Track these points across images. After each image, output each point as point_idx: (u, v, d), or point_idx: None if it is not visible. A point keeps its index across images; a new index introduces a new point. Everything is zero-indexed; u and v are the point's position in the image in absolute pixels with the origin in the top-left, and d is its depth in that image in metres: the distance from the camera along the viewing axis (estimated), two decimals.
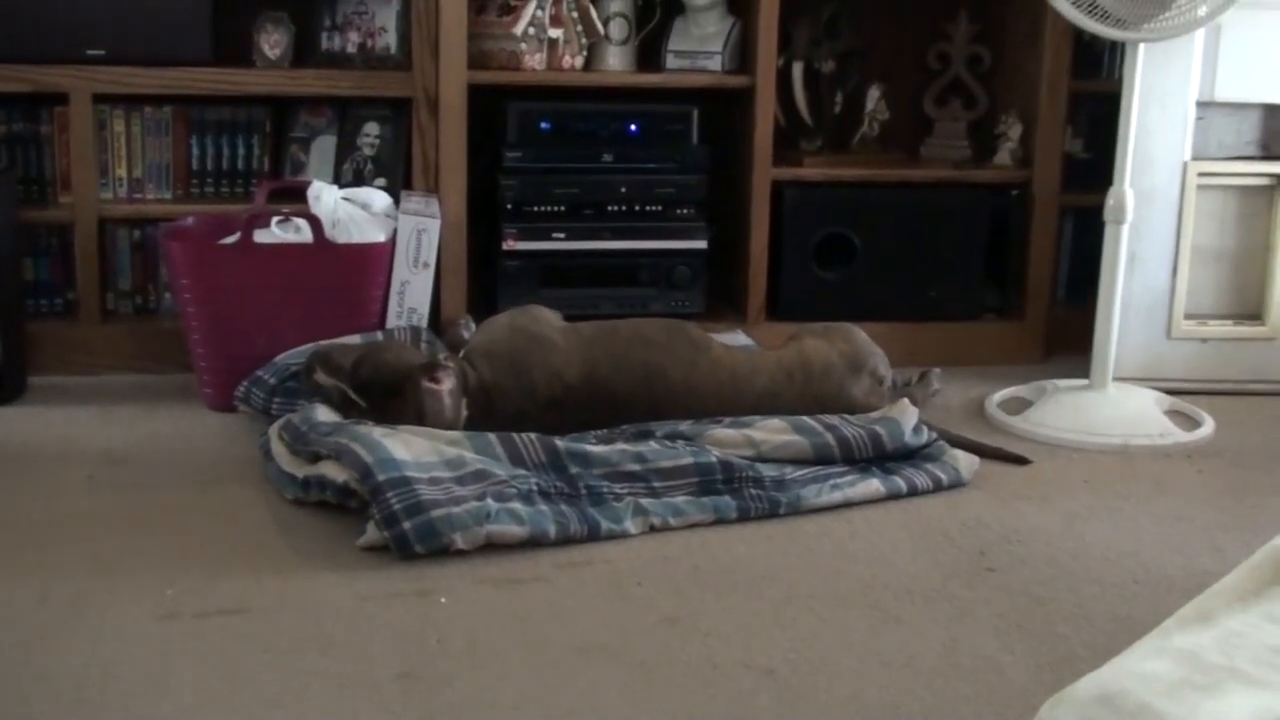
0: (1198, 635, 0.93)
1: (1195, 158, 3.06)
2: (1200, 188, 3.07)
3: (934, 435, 2.58)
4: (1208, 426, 2.85)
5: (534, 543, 2.15)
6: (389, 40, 3.16)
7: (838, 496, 2.37)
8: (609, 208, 3.16)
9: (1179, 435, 2.79)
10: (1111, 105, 2.90)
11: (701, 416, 2.55)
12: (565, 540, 2.17)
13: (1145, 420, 2.82)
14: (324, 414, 2.46)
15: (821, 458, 2.47)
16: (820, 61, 3.35)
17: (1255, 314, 3.13)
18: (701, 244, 3.18)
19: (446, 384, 2.44)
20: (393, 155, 3.18)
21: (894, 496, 2.41)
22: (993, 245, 3.34)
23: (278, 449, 2.44)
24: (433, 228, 2.93)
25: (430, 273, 2.95)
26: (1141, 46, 2.79)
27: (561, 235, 3.13)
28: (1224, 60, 3.03)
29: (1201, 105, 3.05)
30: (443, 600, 1.97)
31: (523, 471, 2.28)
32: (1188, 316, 3.11)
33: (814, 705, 1.71)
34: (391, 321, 2.93)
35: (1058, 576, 2.12)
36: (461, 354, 2.62)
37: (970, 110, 3.50)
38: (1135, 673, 0.89)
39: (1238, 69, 3.03)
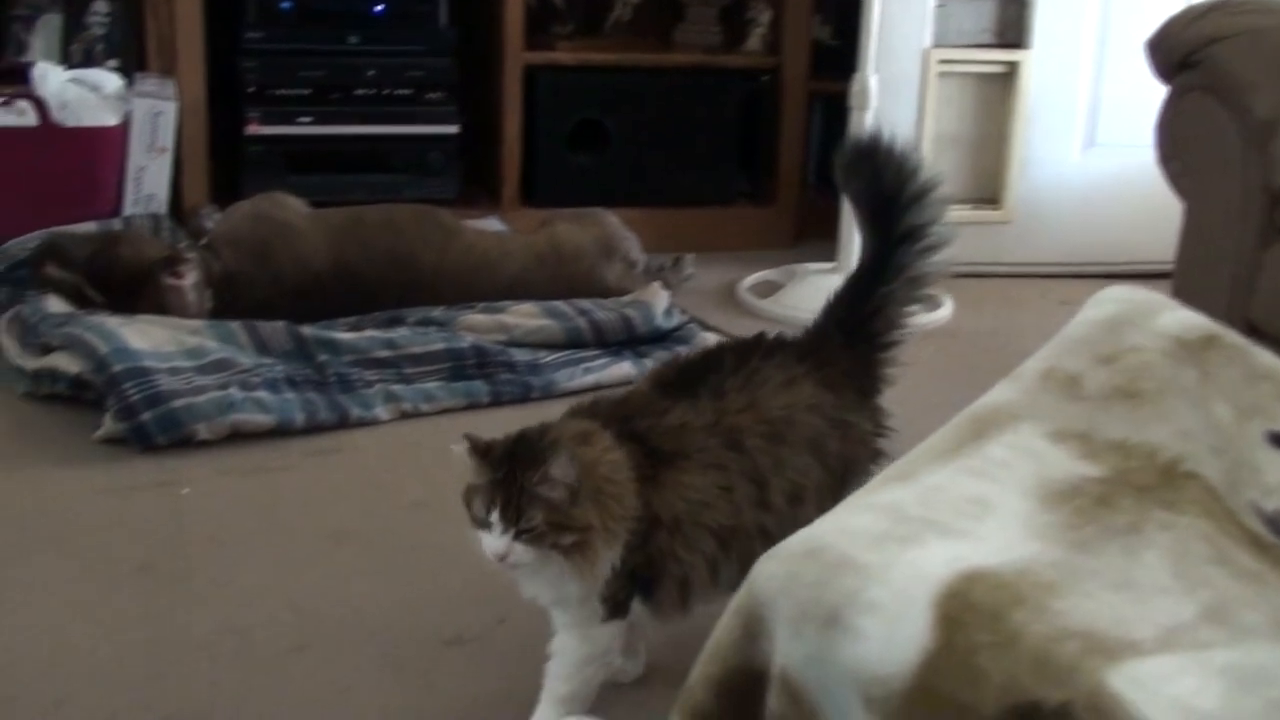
0: (900, 491, 0.97)
1: (936, 45, 3.14)
2: (941, 75, 3.15)
3: (686, 318, 2.61)
4: (947, 308, 2.95)
5: (282, 431, 2.11)
6: None
7: (590, 379, 2.38)
8: (357, 91, 3.06)
9: (919, 316, 2.88)
10: None
11: (454, 302, 2.53)
12: (314, 428, 2.14)
13: None
14: (56, 304, 2.35)
15: (574, 341, 2.47)
16: None
17: (993, 198, 3.24)
18: (453, 129, 3.12)
19: (189, 278, 2.36)
20: (125, 35, 3.02)
21: None
22: (745, 131, 3.38)
23: (6, 342, 2.32)
24: (169, 110, 2.81)
25: (168, 158, 2.83)
26: None
27: (308, 119, 3.03)
28: None
29: None
30: (185, 491, 1.92)
31: (268, 360, 2.23)
32: None
33: None
34: (128, 209, 2.80)
35: None
36: (204, 242, 2.54)
37: None
38: (839, 527, 0.93)
39: None
